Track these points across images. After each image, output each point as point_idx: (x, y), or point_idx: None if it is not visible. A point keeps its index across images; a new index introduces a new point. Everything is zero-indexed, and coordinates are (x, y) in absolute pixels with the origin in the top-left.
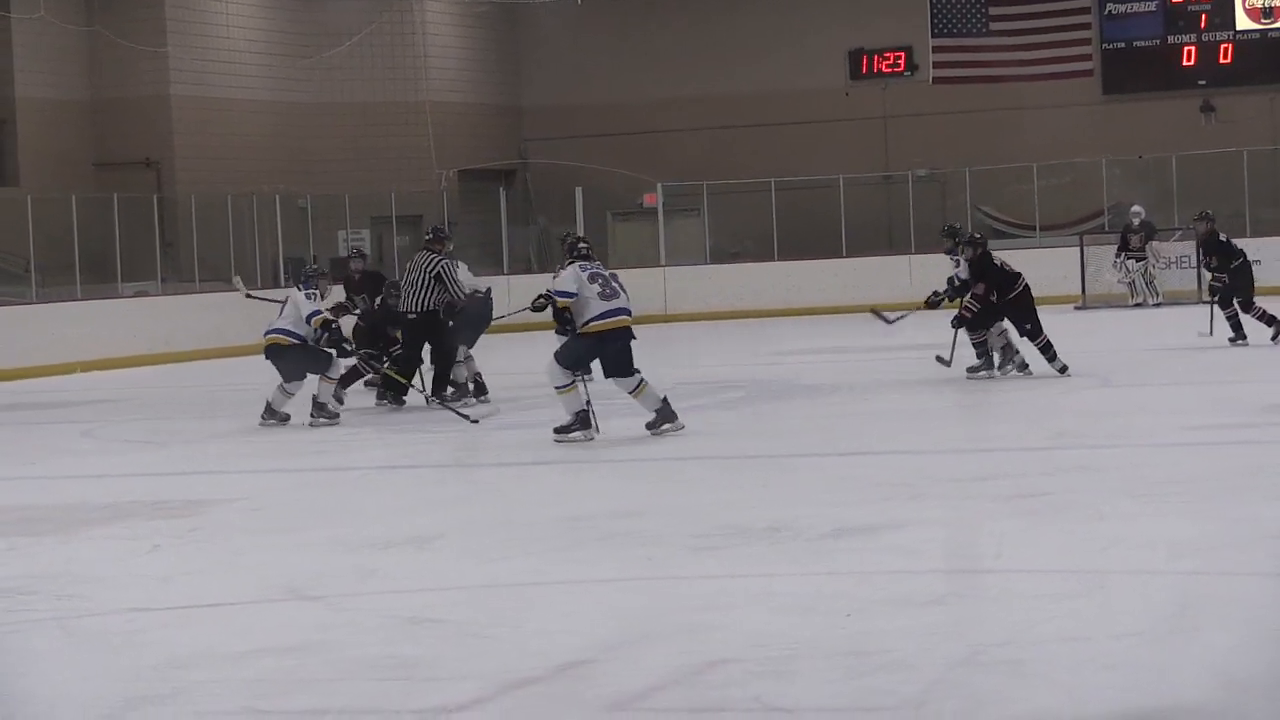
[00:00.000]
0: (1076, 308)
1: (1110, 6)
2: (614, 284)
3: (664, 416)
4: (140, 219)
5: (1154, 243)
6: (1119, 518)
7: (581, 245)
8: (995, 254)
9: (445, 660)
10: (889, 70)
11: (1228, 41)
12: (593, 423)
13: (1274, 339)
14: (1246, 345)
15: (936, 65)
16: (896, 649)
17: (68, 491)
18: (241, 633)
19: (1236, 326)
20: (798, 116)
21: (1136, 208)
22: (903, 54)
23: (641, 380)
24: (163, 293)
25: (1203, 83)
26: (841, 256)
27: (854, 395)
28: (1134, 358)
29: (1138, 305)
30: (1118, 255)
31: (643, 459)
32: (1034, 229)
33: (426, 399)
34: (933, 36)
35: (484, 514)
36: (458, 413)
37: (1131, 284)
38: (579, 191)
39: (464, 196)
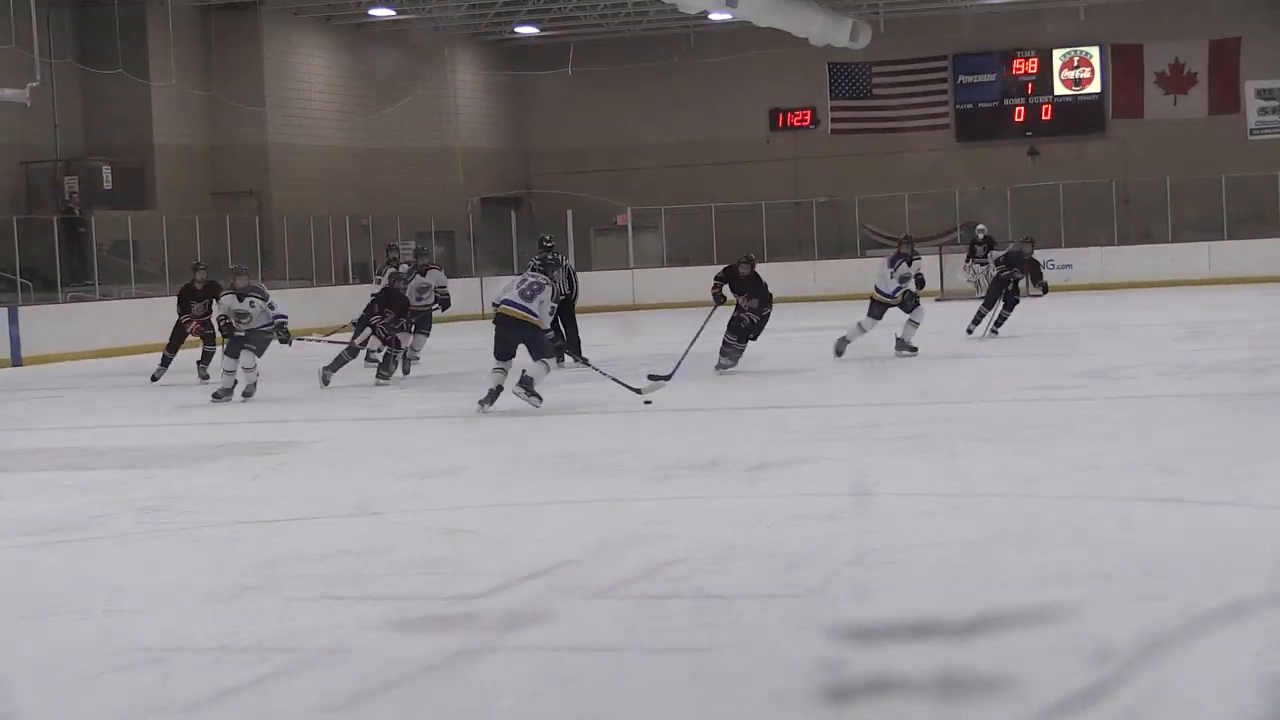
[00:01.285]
0: (937, 300)
1: (962, 77)
2: (524, 287)
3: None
4: (245, 234)
5: (994, 252)
6: (971, 455)
7: (534, 259)
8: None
9: (470, 560)
10: (798, 124)
11: (1048, 103)
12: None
13: (968, 330)
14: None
15: (834, 120)
16: (804, 551)
17: (191, 435)
18: (320, 540)
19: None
20: (731, 157)
21: (981, 226)
22: (809, 111)
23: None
24: None
25: (1030, 133)
26: (764, 262)
27: (776, 364)
28: (980, 338)
29: (981, 298)
30: (967, 261)
31: (615, 411)
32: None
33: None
34: (831, 98)
35: (498, 451)
36: (623, 384)
37: (977, 282)
38: (569, 213)
39: (485, 217)
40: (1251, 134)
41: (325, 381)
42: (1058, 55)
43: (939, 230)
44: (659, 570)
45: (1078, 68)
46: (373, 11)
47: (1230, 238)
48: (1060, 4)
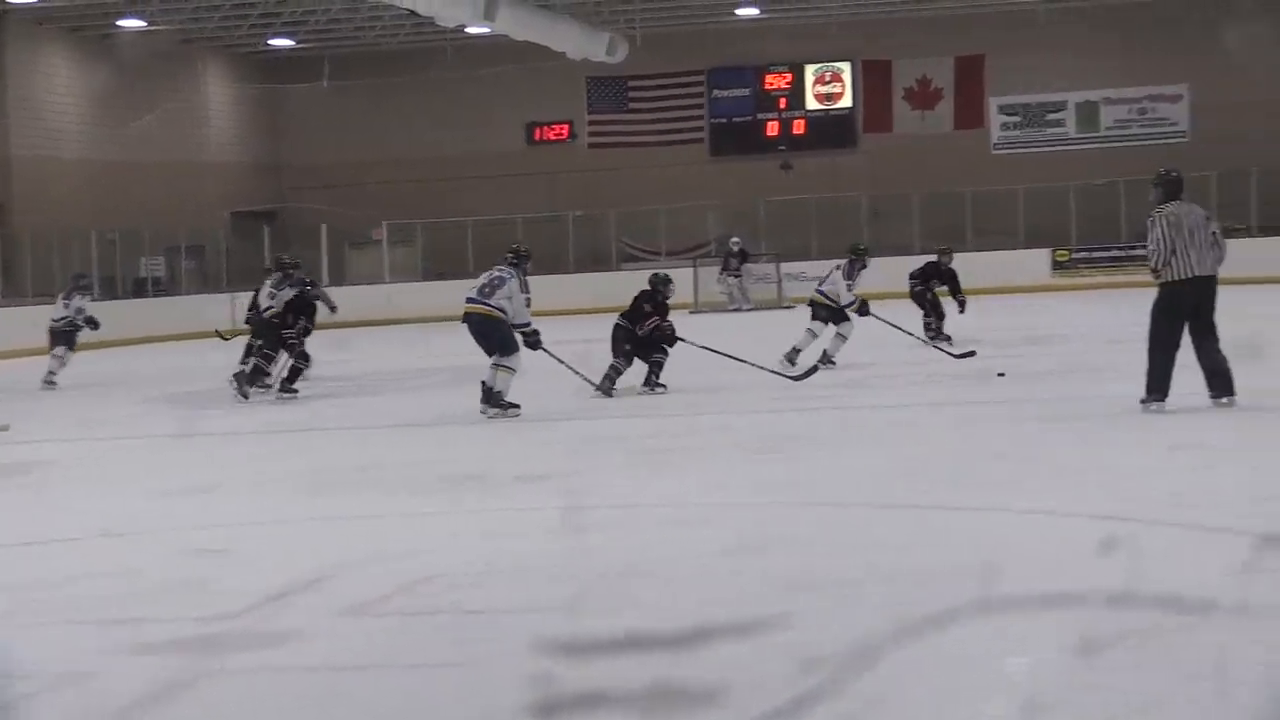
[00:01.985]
0: (691, 312)
1: (716, 91)
2: (484, 283)
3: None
4: None
5: (747, 264)
6: (729, 465)
7: (508, 255)
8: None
9: (221, 580)
10: (555, 137)
11: (801, 118)
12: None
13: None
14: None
15: (591, 134)
16: (560, 564)
17: None
18: (64, 563)
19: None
20: (488, 171)
21: (735, 239)
22: (566, 125)
23: (494, 365)
24: (3, 305)
25: (782, 148)
26: None
27: (538, 377)
28: (735, 348)
29: (735, 310)
30: (721, 273)
31: (376, 427)
32: (660, 254)
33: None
34: (588, 112)
35: (254, 469)
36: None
37: (730, 294)
38: (324, 227)
39: (237, 232)
40: (995, 148)
41: (245, 396)
42: (810, 70)
43: (694, 243)
44: (416, 586)
45: (829, 83)
46: (121, 22)
47: (974, 250)
48: (812, 20)
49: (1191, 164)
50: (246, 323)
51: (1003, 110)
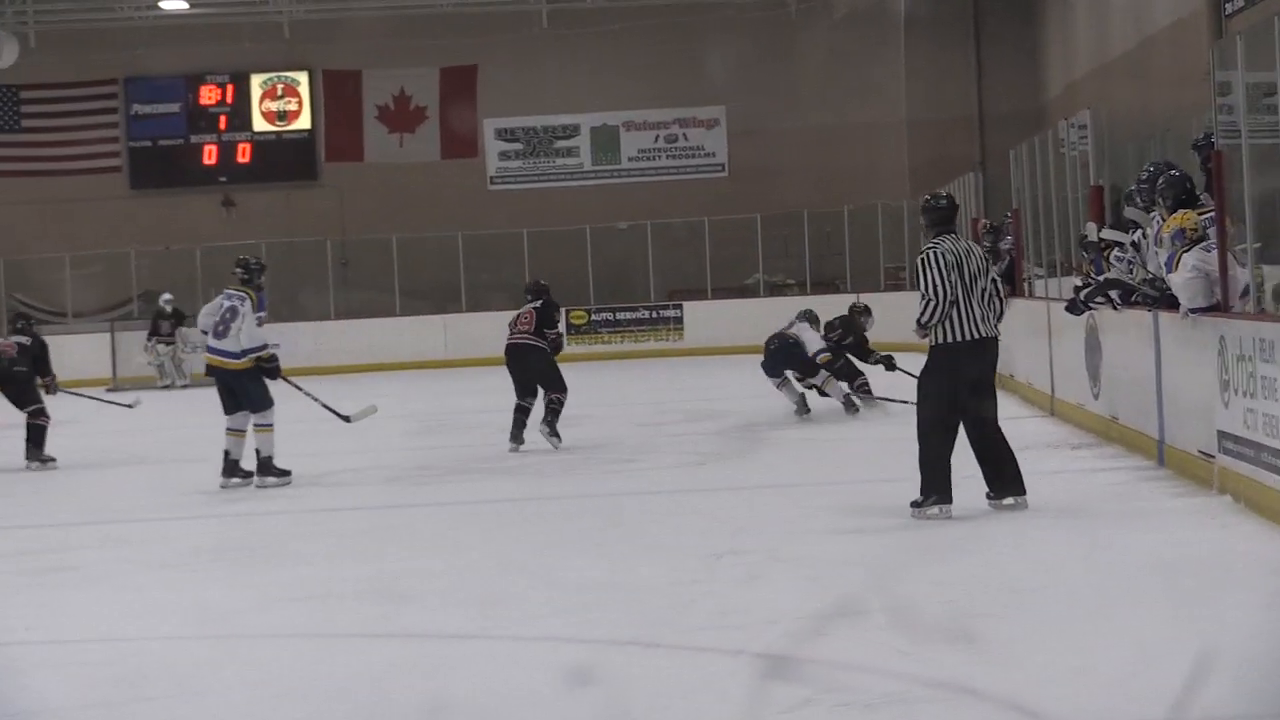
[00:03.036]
0: (109, 389)
1: (136, 107)
2: (216, 322)
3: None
4: None
5: (182, 328)
6: (157, 586)
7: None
8: None
9: None
10: None
11: (246, 141)
12: None
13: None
14: None
15: None
16: None
17: None
18: None
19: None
20: None
21: (166, 295)
22: None
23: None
24: None
25: (224, 179)
26: None
27: None
28: (174, 435)
29: (166, 386)
30: (149, 340)
31: None
32: (66, 314)
33: None
34: None
35: None
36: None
37: (160, 366)
38: None
39: None
40: (493, 182)
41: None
42: (257, 81)
43: (111, 301)
44: None
45: (282, 97)
46: None
47: (469, 310)
48: (259, 18)
49: (730, 204)
50: None
51: (501, 135)
